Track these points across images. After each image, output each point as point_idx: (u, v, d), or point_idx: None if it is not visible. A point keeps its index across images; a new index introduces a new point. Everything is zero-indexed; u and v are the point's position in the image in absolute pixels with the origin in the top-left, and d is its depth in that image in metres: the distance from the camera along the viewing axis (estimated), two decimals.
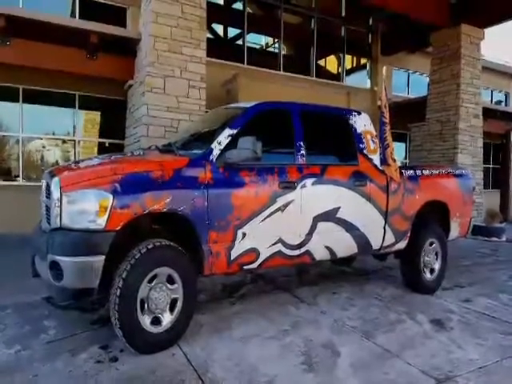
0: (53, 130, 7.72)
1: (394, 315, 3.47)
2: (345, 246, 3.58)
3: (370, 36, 12.02)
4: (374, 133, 3.91)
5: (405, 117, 10.64)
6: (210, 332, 2.98)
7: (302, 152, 3.34)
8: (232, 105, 3.93)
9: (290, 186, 3.19)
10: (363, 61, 12.41)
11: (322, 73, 11.27)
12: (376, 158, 3.81)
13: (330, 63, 12.14)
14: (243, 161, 2.89)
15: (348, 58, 12.03)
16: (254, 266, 3.11)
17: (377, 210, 3.72)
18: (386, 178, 3.80)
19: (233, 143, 2.95)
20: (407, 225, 3.96)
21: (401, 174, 3.91)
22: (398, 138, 12.31)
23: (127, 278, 2.46)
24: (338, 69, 11.87)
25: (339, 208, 3.45)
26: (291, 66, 10.47)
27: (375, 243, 3.78)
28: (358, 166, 3.67)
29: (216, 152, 2.93)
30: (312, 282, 4.44)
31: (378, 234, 3.77)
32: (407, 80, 13.15)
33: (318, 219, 3.34)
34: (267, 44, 11.71)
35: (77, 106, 7.29)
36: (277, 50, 10.84)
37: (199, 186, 2.78)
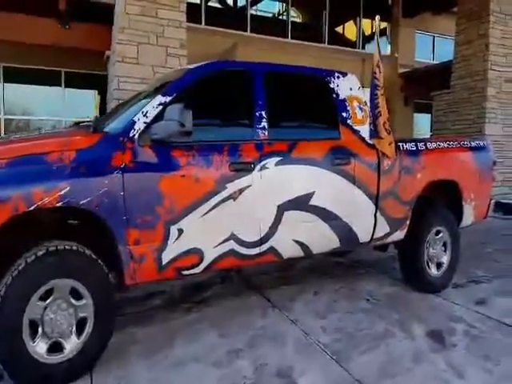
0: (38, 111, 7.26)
1: (383, 325, 2.74)
2: (322, 239, 2.84)
3: None
4: (363, 99, 3.06)
5: (427, 85, 9.42)
6: (140, 353, 2.35)
7: (264, 125, 2.58)
8: (188, 66, 3.16)
9: (244, 168, 2.46)
10: (382, 25, 11.09)
11: (336, 40, 10.15)
12: (364, 130, 2.99)
13: (345, 29, 10.93)
14: (170, 136, 2.19)
15: (366, 22, 10.77)
16: (198, 270, 2.44)
17: (364, 194, 2.92)
18: (377, 153, 2.98)
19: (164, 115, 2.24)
20: (405, 211, 3.15)
21: (397, 148, 3.07)
22: (422, 108, 11.08)
23: (7, 295, 1.85)
24: (354, 35, 10.66)
25: (313, 193, 2.69)
26: (301, 33, 9.47)
27: (363, 234, 3.01)
28: (339, 139, 2.87)
29: (139, 126, 2.24)
30: (294, 279, 3.73)
31: (366, 223, 3.00)
32: (432, 44, 11.71)
33: (284, 208, 2.60)
34: (279, 12, 10.65)
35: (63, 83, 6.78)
36: (286, 18, 9.80)
37: (112, 171, 2.10)
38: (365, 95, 3.09)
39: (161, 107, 2.28)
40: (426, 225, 3.27)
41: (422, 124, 11.41)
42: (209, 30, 7.88)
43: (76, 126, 2.93)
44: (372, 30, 11.01)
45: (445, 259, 3.41)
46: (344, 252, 4.26)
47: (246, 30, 8.51)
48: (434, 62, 11.02)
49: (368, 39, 10.83)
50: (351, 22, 10.58)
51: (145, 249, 2.24)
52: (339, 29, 10.72)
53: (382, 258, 4.30)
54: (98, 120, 2.63)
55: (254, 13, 9.20)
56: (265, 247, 2.60)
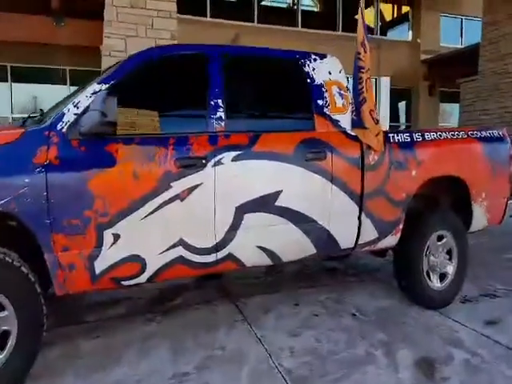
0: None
1: (365, 347, 2.34)
2: (293, 245, 2.47)
3: None
4: (345, 84, 2.66)
5: (453, 71, 8.69)
6: (79, 371, 2.10)
7: (220, 115, 2.25)
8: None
9: (194, 164, 2.14)
10: (404, 9, 10.37)
11: (351, 27, 9.57)
12: (344, 120, 2.59)
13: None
14: (92, 128, 1.90)
15: (385, 7, 10.11)
16: (141, 280, 2.16)
17: (345, 194, 2.53)
18: (361, 146, 2.57)
19: None
20: (397, 213, 2.71)
21: (385, 140, 2.65)
22: (449, 98, 10.29)
23: None
24: (371, 21, 10.04)
25: (280, 192, 2.34)
26: (313, 21, 9.00)
27: (345, 240, 2.62)
28: (313, 131, 2.49)
29: (69, 118, 1.99)
30: (277, 286, 3.37)
31: (348, 226, 2.60)
32: (460, 28, 10.82)
33: (243, 209, 2.27)
34: (293, 2, 10.23)
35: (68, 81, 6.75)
36: (305, 8, 9.37)
37: (33, 169, 1.86)
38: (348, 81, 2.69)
39: (94, 96, 2.02)
40: (425, 229, 2.82)
41: (450, 115, 10.60)
42: (214, 22, 7.64)
43: (27, 120, 2.73)
44: (393, 15, 10.34)
45: (449, 269, 2.93)
46: (341, 256, 3.86)
47: (252, 21, 8.19)
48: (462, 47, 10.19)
49: (387, 25, 10.18)
50: (368, 7, 9.97)
51: (74, 256, 1.98)
52: (356, 15, 10.15)
53: (384, 264, 3.86)
54: (44, 113, 2.42)
55: (262, 3, 8.85)
56: (222, 254, 2.28)
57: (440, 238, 2.90)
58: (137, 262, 2.10)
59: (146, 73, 2.16)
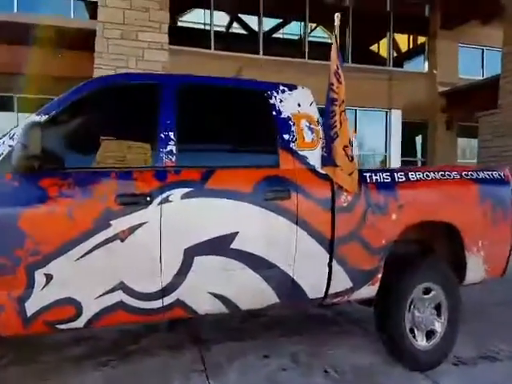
0: None
1: None
2: (251, 292, 2.27)
3: (426, 7, 9.90)
4: (316, 117, 2.54)
5: (472, 104, 8.48)
6: None
7: (171, 148, 2.14)
8: None
9: (137, 202, 2.02)
10: (420, 40, 10.34)
11: (362, 58, 9.59)
12: (313, 156, 2.43)
13: (374, 46, 10.34)
14: (16, 162, 1.84)
15: (399, 38, 10.12)
16: (78, 324, 2.01)
17: (312, 238, 2.33)
18: (331, 186, 2.41)
19: None
20: (375, 261, 2.48)
21: (361, 180, 2.49)
22: (468, 133, 10.03)
23: None
24: (383, 52, 10.05)
25: (235, 234, 2.18)
26: (320, 52, 9.07)
27: (313, 289, 2.39)
28: (276, 167, 2.35)
29: (2, 151, 1.94)
30: (251, 332, 3.12)
31: (316, 274, 2.38)
32: (481, 59, 10.64)
33: (193, 252, 2.11)
34: (295, 32, 10.41)
35: None
36: (312, 38, 9.51)
37: None
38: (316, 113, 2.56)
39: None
40: (408, 280, 2.55)
41: (469, 151, 10.27)
42: (218, 54, 7.83)
43: None
44: (408, 46, 10.31)
45: (438, 326, 2.62)
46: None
47: (257, 53, 8.33)
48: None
49: (402, 56, 10.14)
50: (379, 38, 10.01)
51: (3, 297, 1.87)
52: (367, 46, 10.18)
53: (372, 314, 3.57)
54: None
55: (267, 34, 9.05)
56: (169, 300, 2.10)
57: (427, 291, 2.63)
58: (72, 305, 1.96)
59: (92, 103, 2.11)
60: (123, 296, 2.03)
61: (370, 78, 8.50)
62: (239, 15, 9.83)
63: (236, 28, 10.20)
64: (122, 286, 2.02)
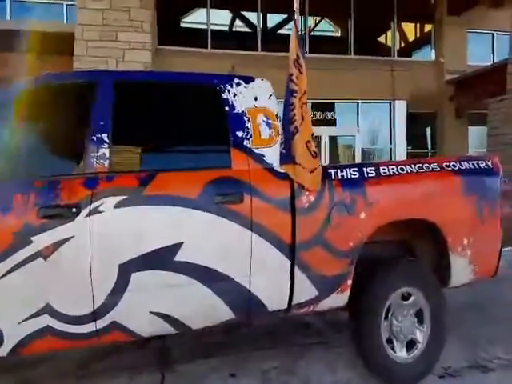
0: None
1: None
2: (201, 309, 2.06)
3: None
4: (275, 111, 2.30)
5: (481, 91, 8.01)
6: None
7: (104, 152, 1.95)
8: None
9: (62, 214, 1.84)
10: (426, 27, 9.85)
11: (365, 49, 9.19)
12: (271, 154, 2.20)
13: (378, 36, 9.92)
14: None
15: (404, 26, 9.67)
16: (2, 353, 1.83)
17: (270, 244, 2.11)
18: (291, 186, 2.18)
19: None
20: (343, 266, 2.23)
21: (325, 177, 2.24)
22: (480, 120, 9.50)
23: None
24: (386, 42, 9.62)
25: (180, 245, 1.97)
26: (322, 46, 8.76)
27: (273, 300, 2.17)
28: (228, 168, 2.14)
29: None
30: (226, 347, 2.90)
31: (276, 284, 2.15)
32: (491, 44, 10.06)
33: (131, 267, 1.91)
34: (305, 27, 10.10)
35: None
36: (316, 33, 9.21)
37: None
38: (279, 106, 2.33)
39: None
40: (382, 285, 2.31)
41: (479, 141, 9.71)
42: (214, 53, 7.64)
43: None
44: (415, 34, 9.84)
45: (419, 336, 2.36)
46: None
47: (256, 49, 8.08)
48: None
49: (409, 45, 9.69)
50: (383, 27, 9.57)
51: None
52: (370, 37, 9.77)
53: None
54: None
55: (266, 30, 8.79)
56: (104, 323, 1.90)
57: (406, 297, 2.37)
58: None
59: (19, 106, 1.94)
60: (50, 320, 1.85)
61: (372, 69, 8.14)
62: (240, 12, 9.60)
63: (236, 26, 9.98)
64: (49, 310, 1.84)
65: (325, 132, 8.49)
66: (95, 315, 1.89)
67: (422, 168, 2.40)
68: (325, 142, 8.44)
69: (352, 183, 2.26)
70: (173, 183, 2.01)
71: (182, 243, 1.97)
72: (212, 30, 8.11)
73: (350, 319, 2.43)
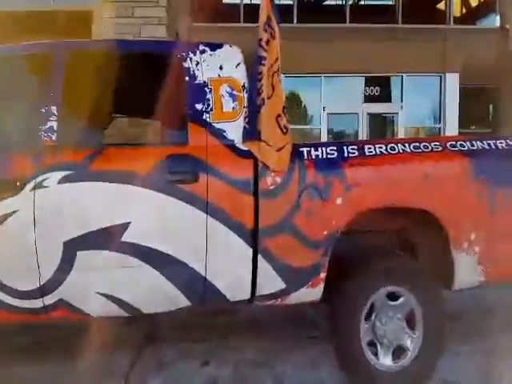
0: None
1: None
2: (152, 294, 1.93)
3: None
4: (241, 81, 2.03)
5: None
6: None
7: (52, 125, 1.85)
8: None
9: (8, 188, 1.78)
10: None
11: (414, 17, 8.22)
12: (233, 129, 1.96)
13: (429, 2, 8.81)
14: None
15: None
16: None
17: (229, 229, 1.89)
18: (255, 165, 1.92)
19: None
20: (314, 257, 1.95)
21: (296, 156, 1.94)
22: None
23: None
24: (446, 7, 8.52)
25: (127, 225, 1.84)
26: (366, 14, 8.00)
27: (234, 290, 1.97)
28: (184, 144, 1.93)
29: None
30: (213, 331, 2.75)
31: (236, 272, 1.95)
32: None
33: (76, 245, 1.83)
34: None
35: None
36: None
37: None
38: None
39: None
40: (363, 282, 2.00)
41: None
42: (248, 27, 7.33)
43: None
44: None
45: (409, 342, 2.02)
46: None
47: (292, 22, 7.60)
48: None
49: (469, 11, 8.51)
50: None
51: None
52: (421, 3, 8.70)
53: None
54: None
55: (301, 1, 8.21)
56: (51, 300, 1.85)
57: (393, 297, 2.04)
58: None
59: None
60: (1, 294, 1.83)
61: (420, 39, 7.29)
62: None
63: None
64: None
65: (364, 109, 7.86)
66: (42, 291, 1.85)
67: (418, 148, 2.01)
68: (363, 119, 7.83)
69: (327, 164, 1.95)
70: (121, 159, 1.87)
71: (129, 223, 1.84)
72: (245, 4, 7.79)
73: (328, 317, 2.16)
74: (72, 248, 1.83)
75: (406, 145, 2.01)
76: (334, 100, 8.07)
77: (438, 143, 2.04)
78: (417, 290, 2.01)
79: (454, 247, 2.02)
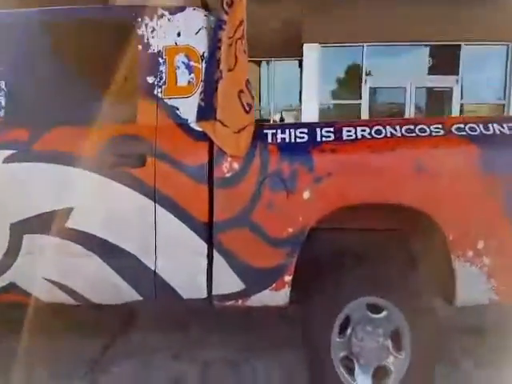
0: None
1: None
2: (100, 285, 1.79)
3: None
4: (201, 50, 1.73)
5: None
6: None
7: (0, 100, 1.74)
8: None
9: None
10: None
11: None
12: (187, 106, 1.70)
13: None
14: None
15: None
16: None
17: (180, 221, 1.67)
18: (209, 149, 1.66)
19: None
20: (278, 256, 1.67)
21: (258, 139, 1.64)
22: None
23: None
24: None
25: (70, 211, 1.70)
26: None
27: (187, 287, 1.76)
28: (132, 123, 1.71)
29: None
30: (194, 323, 2.58)
31: (190, 268, 1.74)
32: None
33: (23, 229, 1.73)
34: None
35: None
36: None
37: None
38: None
39: None
40: (337, 289, 1.68)
41: None
42: None
43: None
44: None
45: (392, 364, 1.69)
46: None
47: None
48: None
49: None
50: None
51: None
52: None
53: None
54: None
55: None
56: (3, 282, 1.80)
57: (374, 310, 1.71)
58: None
59: None
60: None
61: (482, 3, 6.23)
62: None
63: None
64: None
65: (412, 82, 6.98)
66: None
67: (412, 131, 1.61)
68: (411, 94, 7.00)
69: (295, 149, 1.63)
70: (65, 139, 1.71)
71: (72, 208, 1.69)
72: None
73: (303, 326, 1.88)
74: (19, 231, 1.74)
75: (397, 127, 1.62)
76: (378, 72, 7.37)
77: (439, 126, 1.62)
78: (403, 304, 1.66)
79: (455, 255, 1.63)
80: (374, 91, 7.47)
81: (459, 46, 6.90)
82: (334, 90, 7.83)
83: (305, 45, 7.12)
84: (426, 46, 7.17)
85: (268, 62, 7.93)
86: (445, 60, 7.26)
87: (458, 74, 7.01)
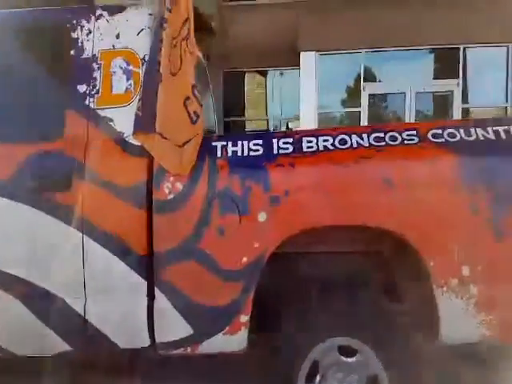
0: None
1: None
2: (21, 335, 1.71)
3: None
4: (141, 53, 1.74)
5: None
6: None
7: None
8: None
9: None
10: None
11: None
12: (123, 117, 1.69)
13: None
14: None
15: None
16: None
17: (113, 254, 1.63)
18: (148, 167, 1.65)
19: None
20: (231, 293, 1.63)
21: (204, 152, 1.64)
22: None
23: None
24: None
25: None
26: None
27: (124, 334, 1.70)
28: (58, 138, 1.69)
29: None
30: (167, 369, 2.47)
31: (127, 312, 1.68)
32: None
33: None
34: None
35: None
36: None
37: None
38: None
39: None
40: (300, 329, 1.65)
41: None
42: (270, 4, 7.23)
43: None
44: None
45: None
46: None
47: None
48: None
49: None
50: None
51: None
52: None
53: None
54: None
55: None
56: None
57: (349, 353, 1.67)
58: None
59: None
60: None
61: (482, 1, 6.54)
62: None
63: None
64: None
65: (411, 85, 7.23)
66: None
67: (381, 140, 1.62)
68: (410, 99, 7.24)
69: (249, 164, 1.63)
70: None
71: None
72: None
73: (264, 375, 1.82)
74: None
75: (364, 136, 1.63)
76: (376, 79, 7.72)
77: (413, 133, 1.64)
78: (379, 346, 1.63)
79: (436, 284, 1.62)
80: (373, 98, 7.81)
81: (458, 49, 7.19)
82: (333, 98, 8.11)
83: (302, 53, 7.47)
84: (424, 50, 7.46)
85: (274, 72, 8.51)
86: (444, 64, 7.57)
87: (458, 78, 7.28)
